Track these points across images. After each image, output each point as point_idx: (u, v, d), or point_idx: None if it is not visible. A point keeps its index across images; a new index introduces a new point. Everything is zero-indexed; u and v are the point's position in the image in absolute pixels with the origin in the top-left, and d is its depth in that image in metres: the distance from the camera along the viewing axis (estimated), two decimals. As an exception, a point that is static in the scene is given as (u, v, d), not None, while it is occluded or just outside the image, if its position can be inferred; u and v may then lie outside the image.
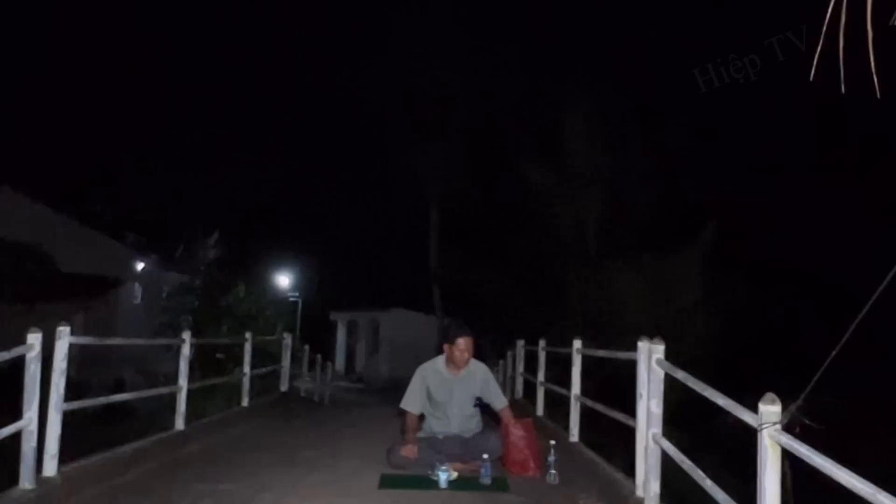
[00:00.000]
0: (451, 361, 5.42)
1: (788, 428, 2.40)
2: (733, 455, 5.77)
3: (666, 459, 3.61)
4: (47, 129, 29.73)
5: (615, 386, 7.02)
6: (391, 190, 28.71)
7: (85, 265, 20.45)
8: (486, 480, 4.76)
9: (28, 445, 3.80)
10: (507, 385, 10.92)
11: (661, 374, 3.71)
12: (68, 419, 4.25)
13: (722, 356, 12.90)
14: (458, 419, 5.36)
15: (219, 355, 9.97)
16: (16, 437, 3.77)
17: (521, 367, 9.68)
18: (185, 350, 6.43)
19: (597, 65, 22.08)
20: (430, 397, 5.40)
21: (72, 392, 4.39)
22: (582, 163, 16.87)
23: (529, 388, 9.19)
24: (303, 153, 34.81)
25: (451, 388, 5.40)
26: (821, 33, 1.54)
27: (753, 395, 2.54)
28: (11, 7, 27.66)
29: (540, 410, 7.74)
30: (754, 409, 2.52)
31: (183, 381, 6.30)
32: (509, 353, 10.75)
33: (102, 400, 5.89)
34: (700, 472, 3.11)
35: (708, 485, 3.00)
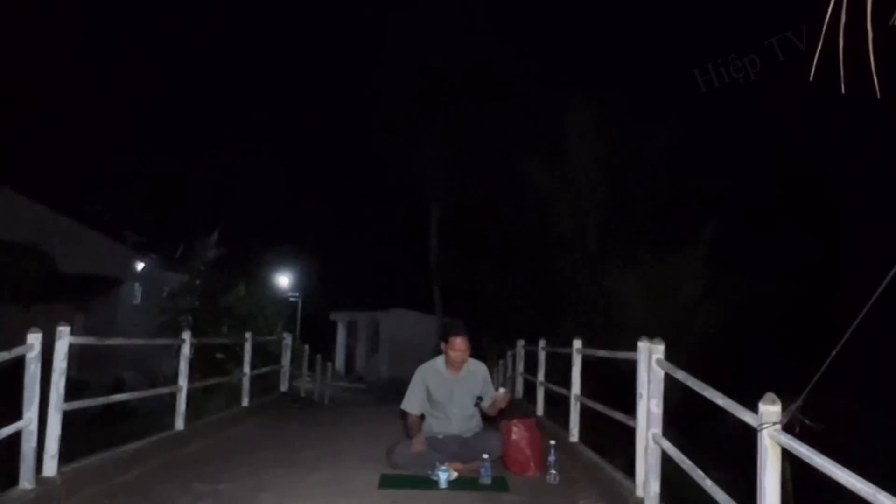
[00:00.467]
0: (449, 361, 5.42)
1: (788, 428, 2.40)
2: (733, 455, 5.77)
3: (666, 459, 3.61)
4: (47, 129, 29.75)
5: (615, 386, 7.01)
6: (391, 189, 28.72)
7: (85, 265, 20.47)
8: (486, 480, 4.76)
9: (28, 445, 3.80)
10: (506, 385, 10.90)
11: (661, 374, 3.71)
12: (68, 419, 4.25)
13: (722, 356, 12.90)
14: (458, 419, 5.36)
15: (219, 355, 9.97)
16: (16, 437, 3.77)
17: (521, 367, 9.68)
18: (185, 350, 6.43)
19: (598, 64, 22.11)
20: (429, 397, 5.40)
21: (72, 392, 4.39)
22: (583, 162, 16.87)
23: (529, 388, 9.18)
24: (303, 153, 34.84)
25: (450, 387, 5.40)
26: (821, 33, 1.54)
27: (754, 394, 2.55)
28: (11, 7, 27.64)
29: (540, 410, 7.74)
30: (754, 409, 2.52)
31: (183, 381, 6.30)
32: (509, 353, 10.75)
33: (102, 400, 5.89)
34: (700, 472, 3.11)
35: (708, 485, 3.00)
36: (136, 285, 24.11)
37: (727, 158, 19.44)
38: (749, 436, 2.57)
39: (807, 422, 2.36)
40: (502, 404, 5.37)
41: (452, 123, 23.78)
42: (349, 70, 31.54)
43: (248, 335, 8.78)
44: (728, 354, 13.29)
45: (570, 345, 6.43)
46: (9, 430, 3.71)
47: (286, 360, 10.88)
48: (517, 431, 5.23)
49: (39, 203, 22.44)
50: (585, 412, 6.01)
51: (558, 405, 7.17)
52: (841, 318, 2.33)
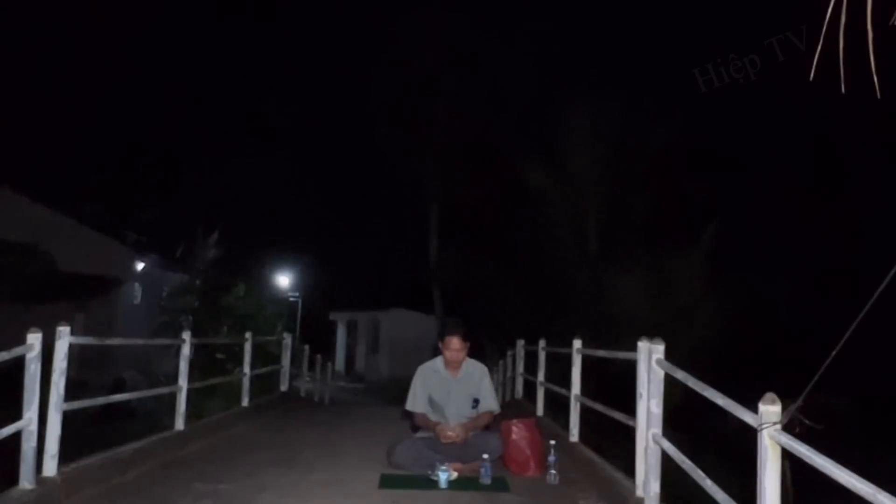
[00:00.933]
0: (446, 361, 5.42)
1: (788, 428, 2.40)
2: (733, 455, 5.77)
3: (666, 459, 3.61)
4: (47, 129, 29.73)
5: (615, 385, 7.01)
6: (391, 189, 28.74)
7: (85, 265, 20.45)
8: (486, 480, 4.76)
9: (28, 445, 3.80)
10: (507, 385, 10.93)
11: (661, 374, 3.71)
12: (68, 419, 4.25)
13: (722, 356, 12.89)
14: (457, 420, 5.35)
15: (219, 355, 9.98)
16: (16, 437, 3.77)
17: (521, 367, 9.68)
18: (185, 350, 6.43)
19: (598, 64, 22.11)
20: (429, 398, 5.40)
21: (72, 392, 4.39)
22: (582, 162, 16.87)
23: (529, 388, 9.19)
24: (303, 153, 34.84)
25: (449, 388, 5.40)
26: (821, 33, 1.54)
27: (754, 394, 2.54)
28: (10, 6, 27.64)
29: (540, 410, 7.75)
30: (754, 409, 2.52)
31: (183, 381, 6.30)
32: (509, 353, 10.75)
33: (102, 400, 5.89)
34: (700, 472, 3.11)
35: (708, 485, 3.00)
36: (136, 285, 24.10)
37: (727, 159, 19.46)
38: (749, 436, 2.57)
39: (807, 422, 2.36)
40: (483, 421, 5.34)
41: (453, 123, 23.78)
42: (350, 70, 31.49)
43: (247, 335, 8.78)
44: (728, 354, 13.28)
45: (569, 345, 6.43)
46: (9, 430, 3.71)
47: (286, 360, 10.88)
48: (517, 431, 5.23)
49: (39, 203, 22.42)
50: (585, 412, 6.01)
51: (559, 405, 7.17)
52: (841, 319, 2.33)
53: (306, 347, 13.98)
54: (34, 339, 3.90)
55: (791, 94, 16.73)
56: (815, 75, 1.61)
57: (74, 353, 4.61)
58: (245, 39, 39.38)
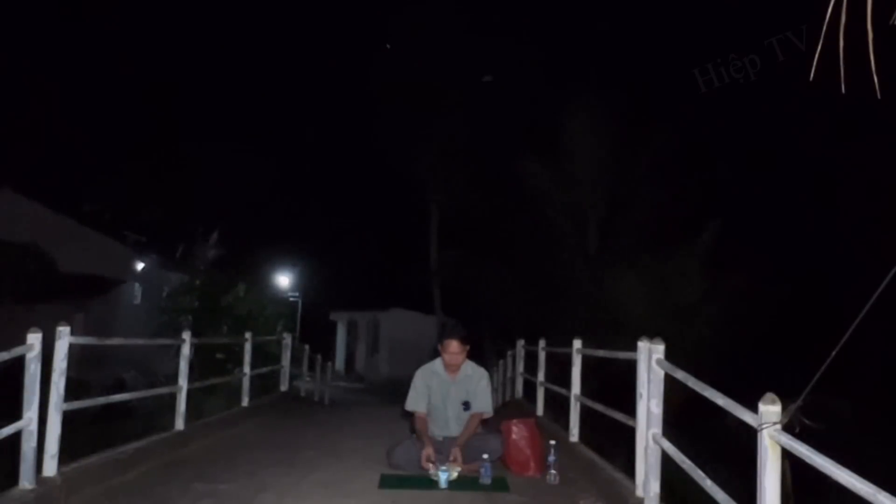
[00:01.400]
0: (444, 364, 5.42)
1: (788, 428, 2.40)
2: (733, 455, 5.77)
3: (666, 459, 3.61)
4: (47, 129, 29.73)
5: (615, 385, 7.01)
6: (391, 190, 28.72)
7: (85, 265, 20.46)
8: (486, 480, 4.75)
9: (28, 445, 3.80)
10: (507, 385, 10.92)
11: (661, 374, 3.71)
12: (68, 419, 4.25)
13: (722, 356, 12.91)
14: (455, 422, 5.35)
15: (219, 355, 9.97)
16: (16, 437, 3.77)
17: (521, 367, 9.68)
18: (185, 350, 6.42)
19: (598, 64, 22.09)
20: (429, 399, 5.40)
21: (72, 392, 4.39)
22: (582, 163, 16.88)
23: (529, 388, 9.18)
24: (303, 153, 34.84)
25: (447, 390, 5.40)
26: (821, 33, 1.54)
27: (754, 394, 2.55)
28: (10, 6, 27.66)
29: (540, 410, 7.74)
30: (754, 409, 2.52)
31: (183, 381, 6.30)
32: (509, 353, 10.75)
33: (102, 400, 5.89)
34: (700, 472, 3.11)
35: (708, 485, 3.00)
36: (136, 285, 24.11)
37: (727, 159, 19.45)
38: (749, 436, 2.57)
39: (807, 422, 2.36)
40: (473, 423, 5.28)
41: (453, 123, 23.78)
42: (350, 70, 31.52)
43: (247, 335, 8.78)
44: (728, 354, 13.29)
45: (569, 345, 6.42)
46: (9, 430, 3.71)
47: (286, 360, 10.87)
48: (517, 431, 5.23)
49: (39, 203, 22.43)
50: (585, 412, 6.01)
51: (559, 406, 7.16)
52: (841, 319, 2.33)
53: (306, 347, 13.97)
54: (34, 339, 3.90)
55: (791, 94, 16.73)
56: (815, 75, 1.61)
57: (74, 353, 4.61)
58: (245, 39, 39.39)
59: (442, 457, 4.95)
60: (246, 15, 39.95)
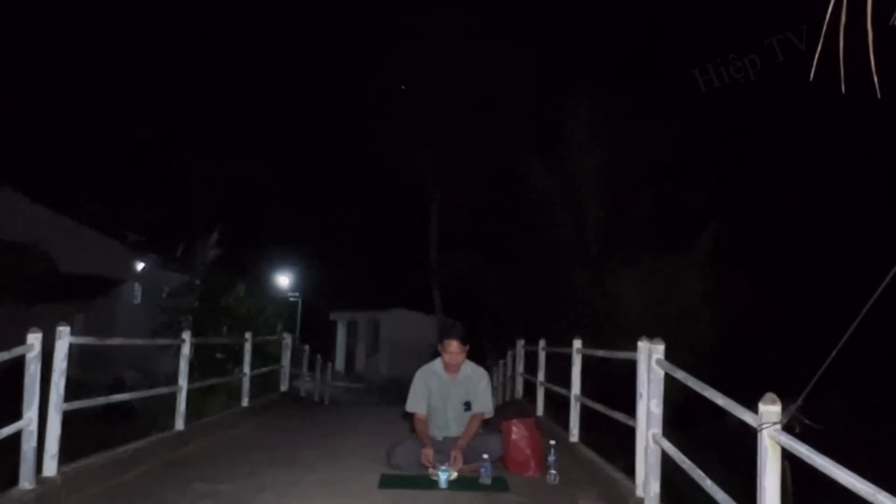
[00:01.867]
0: (444, 364, 5.42)
1: (788, 428, 2.40)
2: (733, 455, 5.78)
3: (666, 459, 3.61)
4: (47, 130, 29.73)
5: (616, 385, 7.01)
6: (391, 190, 28.72)
7: (85, 265, 20.45)
8: (486, 480, 4.76)
9: (28, 445, 3.80)
10: (507, 385, 10.93)
11: (661, 374, 3.71)
12: (68, 419, 4.25)
13: (723, 356, 12.90)
14: (455, 422, 5.35)
15: (219, 355, 9.98)
16: (16, 437, 3.77)
17: (521, 367, 9.68)
18: (185, 350, 6.42)
19: (598, 65, 22.11)
20: (429, 400, 5.39)
21: (72, 392, 4.39)
22: (582, 162, 16.87)
23: (529, 388, 9.19)
24: (303, 153, 34.81)
25: (447, 390, 5.39)
26: (821, 33, 1.54)
27: (754, 394, 2.55)
28: (10, 6, 27.64)
29: (540, 410, 7.75)
30: (754, 409, 2.52)
31: (183, 381, 6.29)
32: (509, 353, 10.76)
33: (102, 400, 5.88)
34: (700, 472, 3.11)
35: (708, 485, 3.00)
36: (136, 285, 24.10)
37: (728, 159, 19.46)
38: (749, 436, 2.57)
39: (807, 422, 2.36)
40: (475, 424, 5.28)
41: (453, 123, 23.78)
42: (350, 70, 31.53)
43: (247, 335, 8.78)
44: (728, 354, 13.29)
45: (569, 345, 6.43)
46: (9, 430, 3.71)
47: (286, 360, 10.88)
48: (517, 431, 5.23)
49: (39, 203, 22.42)
50: (586, 412, 6.01)
51: (559, 406, 7.16)
52: (841, 319, 2.33)
53: (306, 347, 13.97)
54: (34, 339, 3.90)
55: (791, 94, 16.73)
56: (814, 75, 1.61)
57: (74, 353, 4.61)
58: (245, 39, 39.39)
59: (442, 457, 4.95)
60: (246, 13, 39.95)
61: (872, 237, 16.02)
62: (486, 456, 4.83)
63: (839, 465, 1.98)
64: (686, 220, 15.78)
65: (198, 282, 11.27)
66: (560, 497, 4.60)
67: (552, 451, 4.93)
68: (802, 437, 2.32)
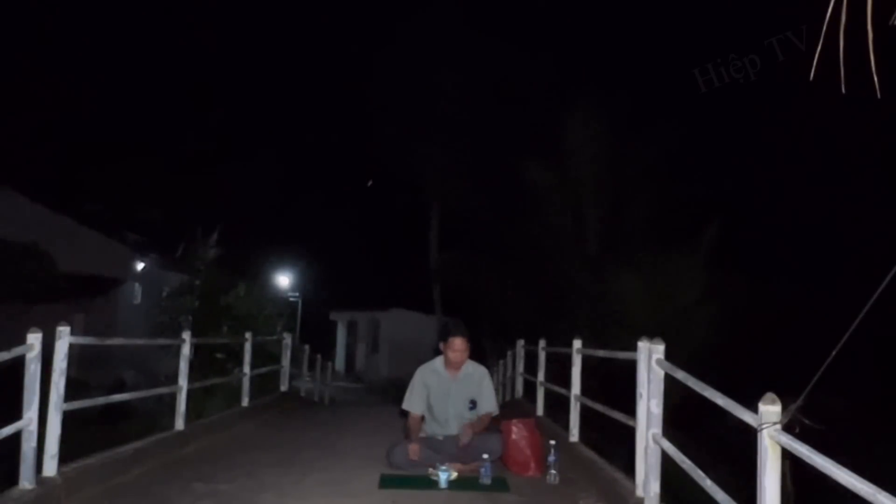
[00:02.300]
0: (448, 362, 5.42)
1: (788, 428, 2.40)
2: (733, 455, 5.77)
3: (666, 459, 3.61)
4: (47, 130, 29.73)
5: (616, 385, 7.01)
6: (391, 190, 28.72)
7: (85, 265, 20.48)
8: (486, 480, 4.76)
9: (28, 445, 3.80)
10: (507, 385, 10.93)
11: (661, 374, 3.71)
12: (68, 419, 4.25)
13: (723, 356, 12.90)
14: (457, 421, 5.35)
15: (219, 355, 9.98)
16: (16, 437, 3.77)
17: (521, 367, 9.68)
18: (185, 350, 6.43)
19: (598, 65, 22.09)
20: (428, 398, 5.39)
21: (72, 392, 4.39)
22: (582, 162, 16.87)
23: (529, 388, 9.19)
24: (303, 152, 34.82)
25: (448, 389, 5.40)
26: (821, 33, 1.55)
27: (754, 394, 2.55)
28: (10, 6, 27.67)
29: (540, 410, 7.75)
30: (754, 409, 2.52)
31: (183, 381, 6.30)
32: (509, 353, 10.75)
33: (102, 400, 5.89)
34: (700, 472, 3.11)
35: (708, 485, 3.00)
36: (136, 285, 24.11)
37: (727, 159, 19.46)
38: (749, 436, 2.57)
39: (807, 422, 2.36)
40: (484, 424, 5.34)
41: (453, 123, 23.78)
42: (350, 70, 31.49)
43: (247, 335, 8.78)
44: (728, 354, 13.29)
45: (569, 345, 6.43)
46: (9, 430, 3.71)
47: (286, 360, 10.88)
48: (517, 431, 5.23)
49: (39, 203, 22.44)
50: (586, 412, 6.01)
51: (559, 406, 7.16)
52: (841, 319, 2.33)
53: (306, 347, 13.97)
54: (34, 339, 3.90)
55: (791, 94, 16.73)
56: (814, 75, 1.61)
57: (74, 353, 4.61)
58: (245, 38, 39.38)
59: (441, 456, 4.96)
60: (246, 13, 39.97)
61: (872, 237, 16.03)
62: (486, 456, 4.83)
63: (839, 465, 1.98)
64: (686, 220, 15.77)
65: (198, 282, 11.28)
66: (560, 497, 4.60)
67: (552, 451, 4.93)
68: (802, 437, 2.32)
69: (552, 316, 15.26)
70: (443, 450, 5.09)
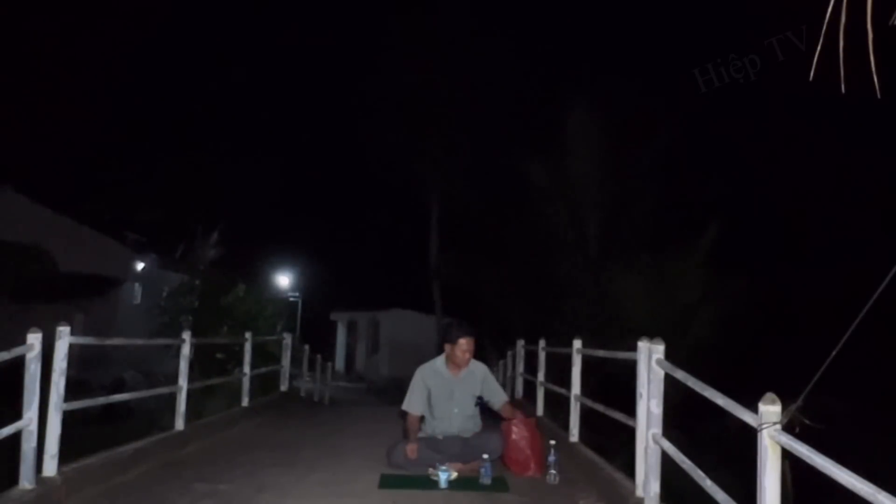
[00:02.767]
0: (451, 361, 5.42)
1: (788, 428, 2.40)
2: (733, 455, 5.77)
3: (666, 459, 3.61)
4: (48, 130, 29.76)
5: (616, 385, 7.01)
6: (391, 190, 28.72)
7: (85, 265, 20.46)
8: (486, 480, 4.76)
9: (28, 445, 3.80)
10: (507, 385, 10.92)
11: (661, 374, 3.71)
12: (68, 419, 4.25)
13: (723, 356, 12.89)
14: (459, 420, 5.36)
15: (219, 355, 9.99)
16: (16, 437, 3.77)
17: (521, 367, 9.68)
18: (185, 350, 6.43)
19: (598, 64, 22.10)
20: (430, 398, 5.39)
21: (72, 392, 4.39)
22: (583, 162, 16.86)
23: (529, 388, 9.19)
24: (303, 153, 34.82)
25: (451, 388, 5.40)
26: (821, 33, 1.54)
27: (754, 394, 2.55)
28: (10, 6, 27.66)
29: (540, 410, 7.74)
30: (754, 409, 2.52)
31: (183, 381, 6.30)
32: (509, 353, 10.75)
33: (102, 400, 5.89)
34: (700, 472, 3.11)
35: (708, 485, 3.00)
36: (136, 285, 24.10)
37: (727, 160, 19.46)
38: (749, 436, 2.57)
39: (807, 422, 2.36)
40: (509, 414, 5.44)
41: (453, 124, 23.78)
42: (349, 70, 31.52)
43: (248, 335, 8.78)
44: (728, 355, 13.28)
45: (569, 345, 6.42)
46: (9, 430, 3.70)
47: (286, 360, 10.88)
48: (517, 431, 5.23)
49: (40, 203, 22.44)
50: (586, 412, 6.01)
51: (559, 406, 7.16)
52: (841, 318, 2.33)
53: (306, 347, 13.97)
54: (34, 339, 3.90)
55: (791, 94, 16.73)
56: (814, 75, 1.61)
57: (74, 353, 4.61)
58: (245, 39, 39.39)
59: (441, 456, 4.96)
60: (246, 14, 39.98)
61: (872, 237, 16.03)
62: (486, 456, 4.84)
63: (839, 465, 1.98)
64: (686, 220, 15.77)
65: (198, 282, 11.29)
66: (560, 497, 4.60)
67: (552, 451, 4.93)
68: (802, 437, 2.32)
69: (552, 316, 15.25)
70: (443, 449, 5.09)
